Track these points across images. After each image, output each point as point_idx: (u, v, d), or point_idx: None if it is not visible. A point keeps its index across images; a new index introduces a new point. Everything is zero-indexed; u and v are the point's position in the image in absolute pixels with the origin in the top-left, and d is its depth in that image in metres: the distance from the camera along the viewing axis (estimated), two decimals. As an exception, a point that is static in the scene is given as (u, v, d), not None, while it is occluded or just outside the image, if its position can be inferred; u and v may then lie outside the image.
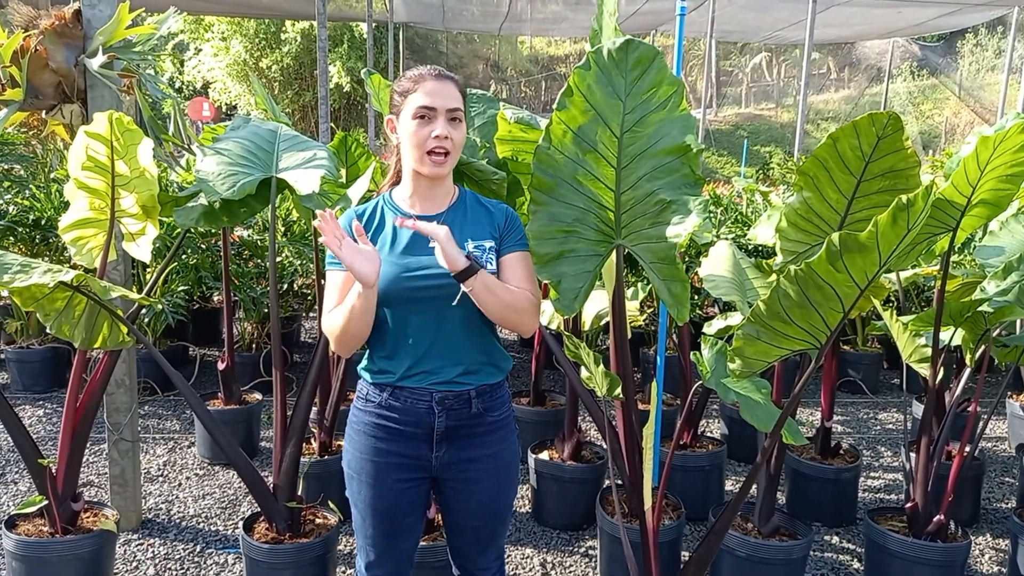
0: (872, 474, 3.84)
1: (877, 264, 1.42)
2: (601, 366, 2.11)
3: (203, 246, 4.73)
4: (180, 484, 3.47)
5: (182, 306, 4.39)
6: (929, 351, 2.74)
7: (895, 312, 2.93)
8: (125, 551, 2.88)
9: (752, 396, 1.90)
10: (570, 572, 2.87)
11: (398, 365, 1.73)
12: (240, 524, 2.51)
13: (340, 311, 1.65)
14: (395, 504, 1.79)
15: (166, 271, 2.68)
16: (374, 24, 12.34)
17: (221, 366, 3.76)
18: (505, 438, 1.83)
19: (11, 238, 4.35)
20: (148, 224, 2.55)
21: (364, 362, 1.78)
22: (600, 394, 2.22)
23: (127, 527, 3.02)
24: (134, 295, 2.26)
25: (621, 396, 2.06)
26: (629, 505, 2.75)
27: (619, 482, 2.80)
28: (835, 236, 1.41)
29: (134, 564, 2.80)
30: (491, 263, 1.75)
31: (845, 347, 5.39)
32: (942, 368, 3.06)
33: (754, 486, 2.95)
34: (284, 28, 18.06)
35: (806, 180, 2.37)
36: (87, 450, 3.74)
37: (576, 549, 3.04)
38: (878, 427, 4.55)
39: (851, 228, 2.39)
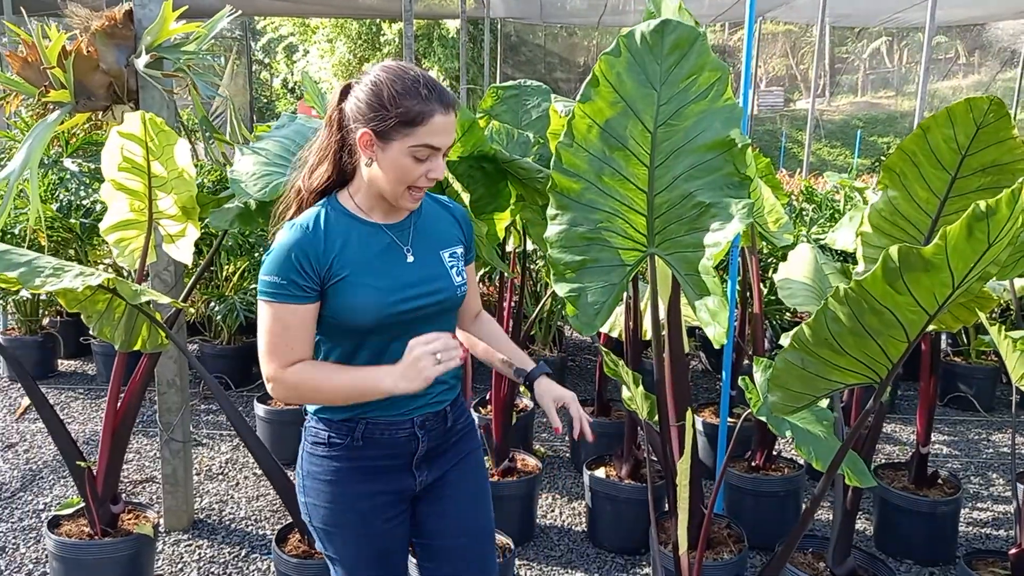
0: (979, 504, 3.42)
1: (949, 285, 1.16)
2: (640, 387, 1.89)
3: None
4: (238, 484, 3.48)
5: (253, 303, 4.43)
6: (1043, 374, 2.36)
7: (1004, 327, 2.55)
8: (173, 552, 2.89)
9: (811, 428, 1.65)
10: (622, 602, 2.67)
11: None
12: (280, 531, 2.45)
13: (325, 382, 1.45)
14: (387, 548, 1.63)
15: (201, 274, 2.64)
16: (468, 21, 12.30)
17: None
18: (472, 440, 1.71)
19: (98, 237, 4.51)
20: (188, 225, 2.52)
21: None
22: (642, 417, 2.01)
23: (178, 527, 3.03)
24: (164, 299, 2.22)
25: (658, 419, 1.84)
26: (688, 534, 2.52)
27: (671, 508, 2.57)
28: (893, 250, 1.15)
29: (180, 565, 2.80)
30: (463, 275, 1.61)
31: (956, 358, 4.88)
32: (1060, 394, 2.65)
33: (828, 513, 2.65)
34: (383, 29, 18.39)
35: (892, 177, 2.07)
36: (150, 445, 3.82)
37: (631, 574, 2.82)
38: (990, 450, 4.07)
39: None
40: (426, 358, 1.36)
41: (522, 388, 3.60)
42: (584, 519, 3.19)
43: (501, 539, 2.53)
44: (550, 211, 1.65)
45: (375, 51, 18.57)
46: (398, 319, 1.49)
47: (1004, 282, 3.76)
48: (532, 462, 3.15)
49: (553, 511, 3.33)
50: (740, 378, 1.65)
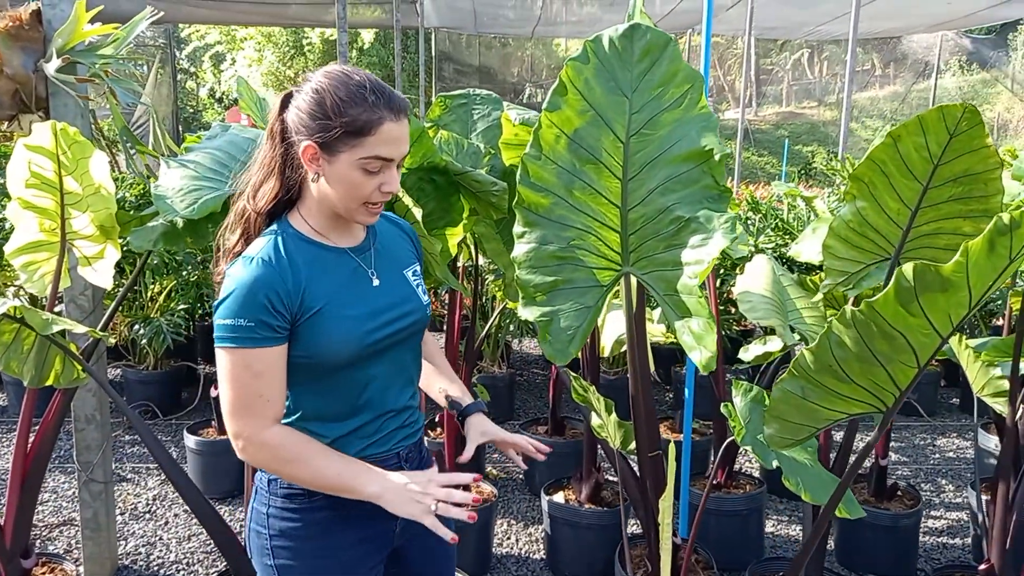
0: (933, 512, 3.42)
1: (966, 305, 1.07)
2: (614, 415, 1.77)
3: (202, 260, 4.50)
4: (167, 522, 3.21)
5: (181, 325, 4.15)
6: (1006, 384, 2.34)
7: (963, 336, 2.53)
8: (95, 604, 2.62)
9: (797, 457, 1.54)
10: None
11: (357, 437, 1.42)
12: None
13: (312, 459, 1.30)
14: None
15: (123, 299, 2.40)
16: (402, 30, 12.11)
17: (215, 392, 3.49)
18: (432, 462, 1.60)
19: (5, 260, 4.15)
20: (107, 246, 2.29)
21: None
22: (614, 446, 1.88)
23: (100, 576, 2.76)
24: (80, 328, 1.99)
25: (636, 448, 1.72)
26: (652, 562, 2.41)
27: (639, 532, 2.45)
28: (908, 268, 1.05)
29: (102, 621, 2.53)
30: (426, 293, 1.51)
31: (898, 364, 4.94)
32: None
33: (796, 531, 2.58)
34: (307, 34, 18.03)
35: (860, 187, 2.00)
36: (68, 483, 3.51)
37: (594, 606, 2.69)
38: (937, 455, 4.11)
39: (915, 245, 2.01)
40: (435, 492, 1.25)
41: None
42: (543, 546, 3.06)
43: (459, 574, 2.37)
44: (517, 228, 1.51)
45: (302, 58, 18.16)
46: (375, 348, 1.36)
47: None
48: (488, 489, 2.99)
49: (509, 538, 3.18)
50: (723, 405, 1.53)
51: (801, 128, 25.04)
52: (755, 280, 2.83)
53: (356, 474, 1.30)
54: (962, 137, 1.80)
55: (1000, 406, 2.39)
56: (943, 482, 3.77)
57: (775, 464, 1.50)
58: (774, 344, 2.85)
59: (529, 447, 1.52)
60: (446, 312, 3.14)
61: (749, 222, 4.45)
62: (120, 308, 4.61)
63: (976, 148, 1.80)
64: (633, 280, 1.55)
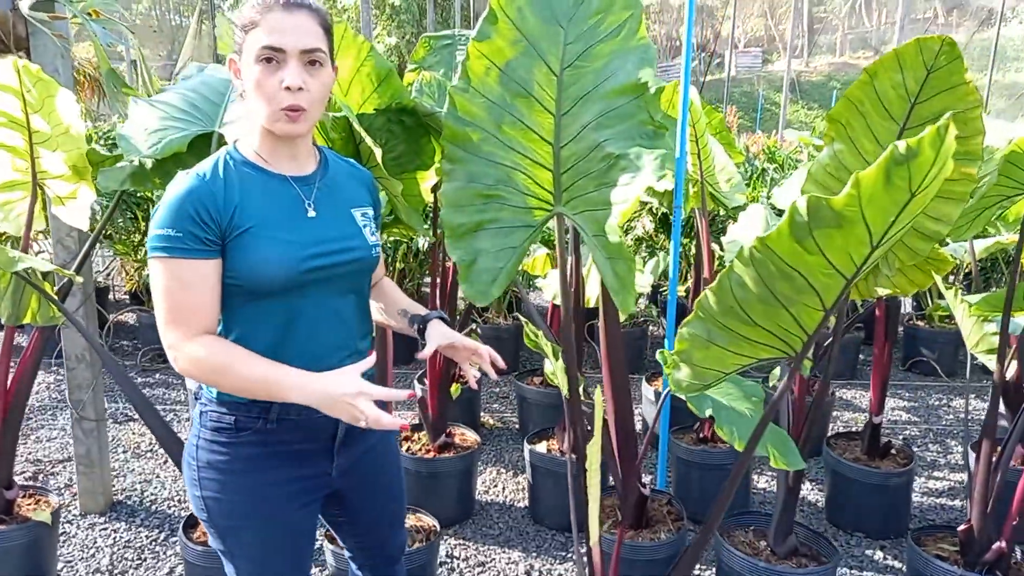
0: (936, 473, 3.33)
1: (866, 243, 0.99)
2: (561, 361, 1.72)
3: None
4: (166, 462, 3.30)
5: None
6: (997, 342, 2.23)
7: (960, 291, 2.41)
8: (86, 536, 2.71)
9: (737, 406, 1.49)
10: (559, 583, 2.54)
11: None
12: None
13: (236, 365, 1.27)
14: (301, 534, 1.51)
15: (96, 241, 2.42)
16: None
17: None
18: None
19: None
20: (81, 186, 2.30)
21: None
22: (564, 393, 1.85)
23: (94, 510, 2.86)
24: (47, 266, 2.01)
25: (579, 395, 1.68)
26: (622, 511, 2.39)
27: (613, 484, 2.43)
28: (801, 202, 0.98)
29: (91, 551, 2.63)
30: (376, 235, 1.49)
31: (919, 322, 4.78)
32: (1016, 362, 2.53)
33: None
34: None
35: (837, 129, 1.90)
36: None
37: (570, 555, 2.69)
38: (950, 416, 3.99)
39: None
40: (367, 409, 1.21)
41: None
42: (527, 495, 3.06)
43: (427, 520, 2.38)
44: (444, 165, 1.46)
45: (341, 8, 18.02)
46: (310, 277, 1.34)
47: (964, 243, 3.63)
48: (472, 437, 2.99)
49: (497, 486, 3.19)
50: (659, 351, 1.48)
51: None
52: (747, 229, 2.73)
53: (283, 376, 1.26)
54: (940, 73, 1.68)
55: (991, 362, 2.29)
56: (951, 443, 3.66)
57: (708, 412, 1.44)
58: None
59: (487, 357, 1.48)
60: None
61: (765, 172, 4.30)
62: (133, 254, 4.70)
63: (955, 85, 1.68)
64: (568, 221, 1.49)
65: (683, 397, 1.48)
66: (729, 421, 1.45)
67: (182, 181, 1.31)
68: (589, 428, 2.78)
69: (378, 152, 2.01)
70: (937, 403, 4.17)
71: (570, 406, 1.54)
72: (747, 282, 1.08)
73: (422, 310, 1.57)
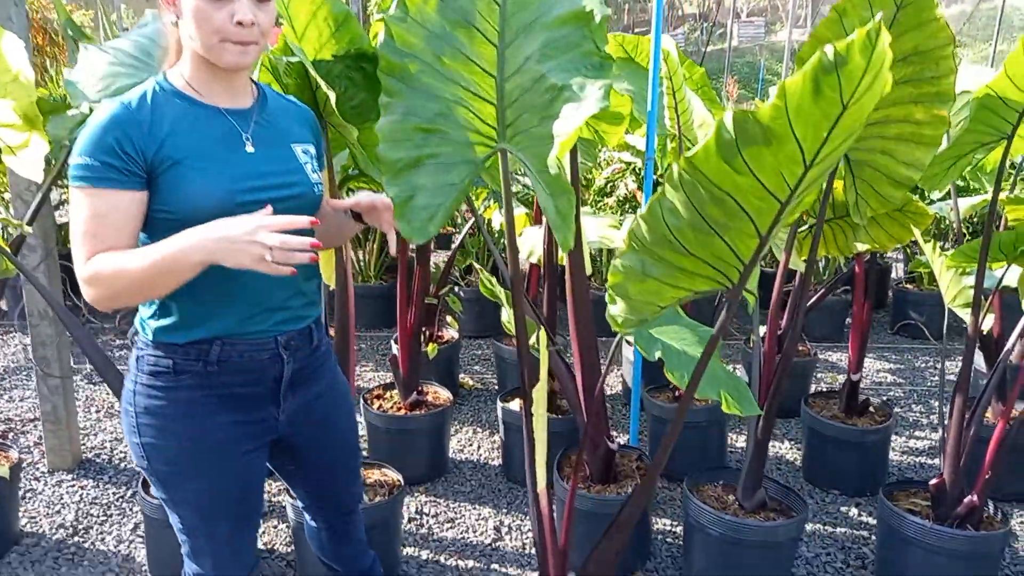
0: (917, 433, 3.29)
1: (799, 162, 0.93)
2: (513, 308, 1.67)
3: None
4: (140, 421, 3.27)
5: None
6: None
7: (940, 245, 2.36)
8: (53, 493, 2.69)
9: (689, 351, 1.44)
10: (526, 537, 2.51)
11: (229, 313, 1.36)
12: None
13: (128, 262, 1.19)
14: (248, 482, 1.47)
15: (48, 191, 2.37)
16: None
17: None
18: (332, 363, 1.59)
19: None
20: (33, 135, 2.23)
21: (158, 321, 1.35)
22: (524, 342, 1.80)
23: (62, 467, 2.83)
24: (-6, 216, 1.96)
25: (536, 345, 1.63)
26: (591, 467, 2.36)
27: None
28: (727, 117, 0.92)
29: (57, 507, 2.60)
30: (319, 174, 1.43)
31: (908, 285, 4.73)
32: (991, 315, 2.48)
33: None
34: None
35: (807, 71, 1.82)
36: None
37: (542, 511, 2.67)
38: (935, 378, 3.95)
39: (862, 135, 1.84)
40: (268, 239, 1.13)
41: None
42: (501, 453, 3.03)
43: (392, 475, 2.35)
44: (381, 99, 1.40)
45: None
46: (247, 212, 1.26)
47: (948, 202, 3.57)
48: (444, 395, 2.96)
49: (472, 445, 3.16)
50: (608, 293, 1.43)
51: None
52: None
53: (176, 244, 1.18)
54: (910, 9, 1.61)
55: (968, 315, 2.24)
56: (935, 404, 3.62)
57: (657, 355, 1.40)
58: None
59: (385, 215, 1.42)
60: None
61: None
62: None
63: (926, 21, 1.61)
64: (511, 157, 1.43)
65: (627, 335, 1.43)
66: (680, 365, 1.40)
67: (105, 109, 1.26)
68: (559, 385, 2.73)
69: (332, 95, 1.95)
70: (923, 365, 4.13)
71: (519, 354, 1.49)
72: (678, 207, 1.02)
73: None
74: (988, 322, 2.44)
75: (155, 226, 1.30)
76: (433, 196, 1.33)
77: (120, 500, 2.66)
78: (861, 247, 2.62)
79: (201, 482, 1.42)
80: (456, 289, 4.41)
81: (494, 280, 1.68)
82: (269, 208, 1.23)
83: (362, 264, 4.69)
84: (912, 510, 2.20)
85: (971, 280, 2.22)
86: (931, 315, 4.51)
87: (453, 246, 3.54)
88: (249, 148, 1.35)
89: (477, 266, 2.29)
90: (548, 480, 1.58)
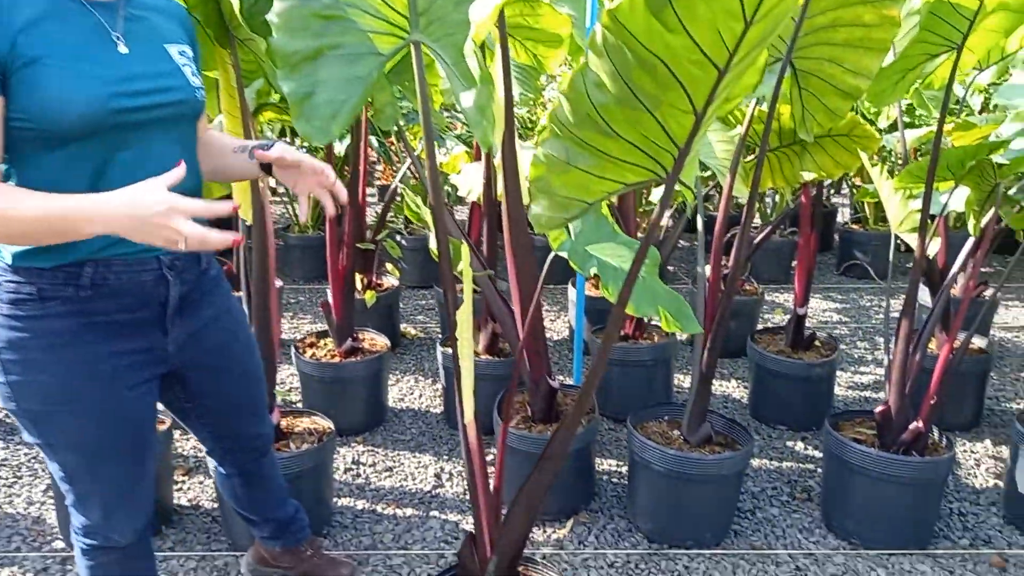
0: (862, 368, 3.28)
1: (739, 16, 0.80)
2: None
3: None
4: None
5: None
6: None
7: (885, 170, 2.29)
8: (-43, 456, 2.50)
9: (626, 266, 1.33)
10: (466, 483, 2.41)
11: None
12: None
13: (9, 211, 1.04)
14: (135, 421, 1.33)
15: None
16: None
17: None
18: (225, 287, 1.46)
19: None
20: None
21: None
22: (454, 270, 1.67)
23: (-33, 428, 2.63)
24: None
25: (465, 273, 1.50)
26: (532, 407, 2.26)
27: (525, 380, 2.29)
28: (653, -39, 0.79)
29: (-39, 471, 2.41)
30: (199, 77, 1.30)
31: (854, 226, 4.72)
32: (937, 240, 2.44)
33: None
34: None
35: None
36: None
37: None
38: (880, 316, 3.95)
39: (809, 42, 1.73)
40: (184, 227, 1.02)
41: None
42: (443, 400, 2.92)
43: (322, 423, 2.22)
44: (275, -18, 1.23)
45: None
46: (122, 120, 1.14)
47: (896, 134, 3.52)
48: (381, 342, 2.83)
49: (413, 393, 3.05)
50: (528, 190, 1.30)
51: None
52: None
53: (74, 207, 1.05)
54: None
55: (914, 240, 2.18)
56: (880, 340, 3.62)
57: (592, 270, 1.29)
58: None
59: (332, 178, 1.30)
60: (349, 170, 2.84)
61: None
62: None
63: None
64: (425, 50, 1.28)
65: (563, 254, 1.31)
66: (615, 278, 1.29)
67: None
68: (500, 327, 2.61)
69: (236, 3, 1.77)
70: (868, 304, 4.14)
71: (443, 278, 1.36)
72: (604, 80, 0.90)
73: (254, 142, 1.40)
74: (934, 246, 2.40)
75: (12, 140, 1.13)
76: (336, 91, 1.18)
77: (32, 461, 2.48)
78: (808, 176, 2.54)
79: (81, 420, 1.27)
80: (398, 238, 4.25)
81: (419, 201, 1.53)
82: (182, 167, 1.08)
83: (295, 206, 4.48)
84: (857, 439, 2.15)
85: (918, 204, 2.16)
86: (876, 255, 4.51)
87: (390, 189, 3.37)
88: (122, 48, 1.19)
89: (408, 192, 2.14)
90: (477, 410, 1.47)
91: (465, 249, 1.21)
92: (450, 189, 4.20)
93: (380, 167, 6.54)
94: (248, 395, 1.51)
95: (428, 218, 1.55)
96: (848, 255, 4.60)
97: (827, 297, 4.25)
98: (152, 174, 1.24)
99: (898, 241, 4.75)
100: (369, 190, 6.30)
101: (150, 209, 1.02)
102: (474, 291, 3.23)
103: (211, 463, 1.65)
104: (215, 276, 1.41)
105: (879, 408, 2.13)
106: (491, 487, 1.52)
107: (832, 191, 5.51)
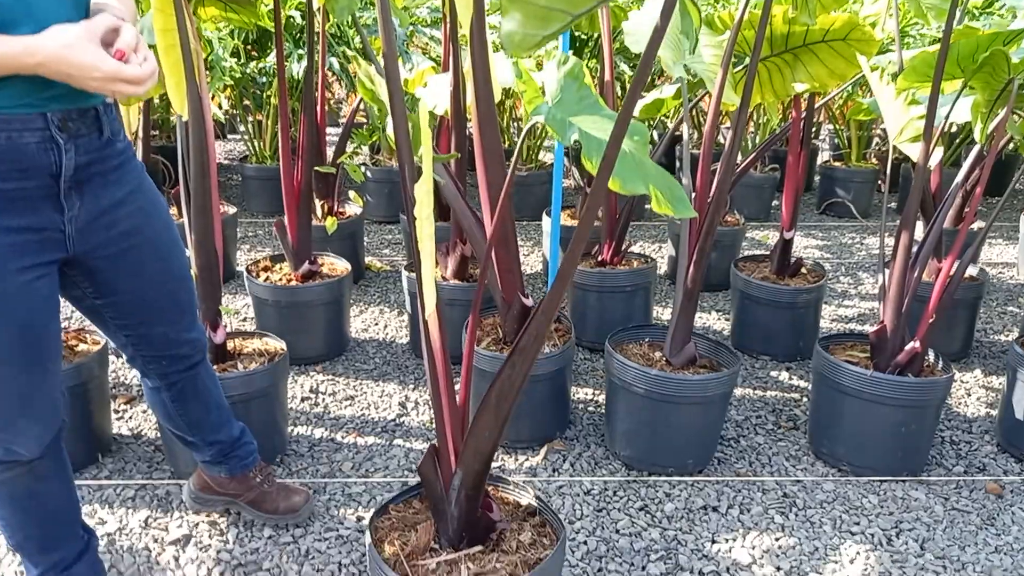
0: (847, 302, 3.17)
1: None
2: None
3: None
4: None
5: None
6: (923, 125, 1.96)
7: (885, 73, 2.12)
8: None
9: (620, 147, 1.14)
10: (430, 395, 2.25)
11: None
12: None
13: None
14: (30, 310, 1.13)
15: None
16: None
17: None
18: (139, 169, 1.27)
19: None
20: None
21: None
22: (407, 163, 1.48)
23: None
24: None
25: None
26: (504, 327, 2.09)
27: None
28: None
29: None
30: None
31: (836, 163, 4.58)
32: (939, 150, 2.28)
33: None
34: None
35: None
36: None
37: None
38: (863, 252, 3.84)
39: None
40: (123, 90, 1.02)
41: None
42: (408, 331, 2.75)
43: (274, 344, 2.04)
44: None
45: None
46: None
47: (891, 55, 3.36)
48: (342, 266, 2.63)
49: (378, 324, 2.87)
50: (515, 70, 1.11)
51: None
52: (653, 15, 2.35)
53: (20, 46, 0.98)
54: None
55: (915, 151, 2.03)
56: (863, 275, 3.50)
57: (574, 138, 1.11)
58: (668, 90, 2.43)
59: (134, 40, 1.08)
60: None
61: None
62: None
63: None
64: None
65: (548, 121, 1.13)
66: (599, 150, 1.12)
67: None
68: (470, 247, 2.42)
69: None
70: (850, 242, 4.02)
71: (399, 158, 1.17)
72: None
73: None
74: (936, 156, 2.25)
75: None
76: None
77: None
78: (800, 87, 2.37)
79: None
80: (363, 169, 4.02)
81: (372, 74, 1.33)
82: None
83: (256, 143, 4.23)
84: (851, 361, 2.02)
85: (921, 109, 2.00)
86: (858, 192, 4.39)
87: (350, 108, 3.15)
88: None
89: (360, 62, 1.92)
90: (445, 335, 1.29)
91: (426, 133, 1.02)
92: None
93: (345, 106, 6.26)
94: (168, 293, 1.32)
95: (384, 96, 1.36)
96: (829, 193, 4.47)
97: (808, 235, 4.12)
98: (41, 15, 1.05)
99: (879, 179, 4.63)
100: (333, 130, 6.02)
101: (99, 71, 1.00)
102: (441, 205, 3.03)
103: (141, 377, 1.46)
104: (123, 150, 1.21)
105: (874, 328, 2.00)
106: (457, 401, 1.36)
107: (812, 133, 5.36)
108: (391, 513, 1.37)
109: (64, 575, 1.35)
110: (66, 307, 2.88)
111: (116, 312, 1.29)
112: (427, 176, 1.10)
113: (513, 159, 1.18)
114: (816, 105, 2.78)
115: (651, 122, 4.73)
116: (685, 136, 2.04)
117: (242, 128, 4.41)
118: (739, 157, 4.06)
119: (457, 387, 1.32)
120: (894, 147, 2.14)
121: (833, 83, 2.32)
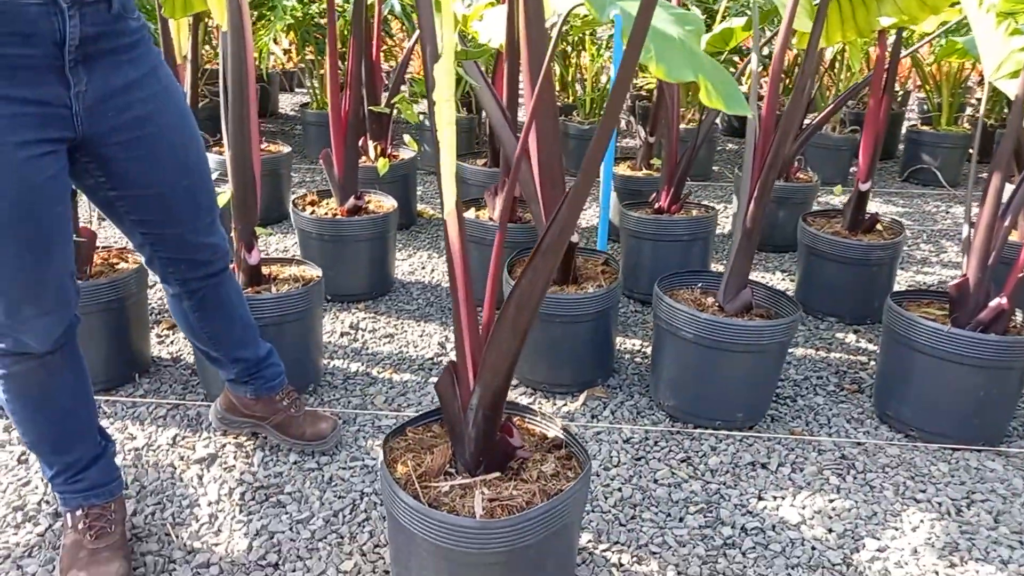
0: (926, 269, 2.94)
1: None
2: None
3: None
4: None
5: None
6: (1025, 54, 1.75)
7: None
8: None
9: (667, 29, 1.02)
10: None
11: None
12: None
13: None
14: (32, 187, 1.08)
15: None
16: None
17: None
18: (156, 55, 1.19)
19: None
20: None
21: None
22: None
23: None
24: None
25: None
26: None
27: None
28: None
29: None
30: None
31: (923, 127, 4.27)
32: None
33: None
34: None
35: None
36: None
37: (495, 329, 2.33)
38: (948, 221, 3.56)
39: None
40: None
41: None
42: (454, 273, 2.67)
43: (311, 271, 1.98)
44: None
45: None
46: None
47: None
48: (388, 204, 2.57)
49: (425, 268, 2.80)
50: None
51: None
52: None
53: None
54: None
55: (1013, 88, 1.82)
56: (946, 243, 3.25)
57: (614, 13, 0.99)
58: (737, 21, 2.25)
59: None
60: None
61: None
62: None
63: None
64: None
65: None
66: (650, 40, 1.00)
67: None
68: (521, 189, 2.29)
69: None
70: (934, 210, 3.74)
71: (425, 69, 1.07)
72: None
73: None
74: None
75: None
76: None
77: None
78: (886, 21, 2.16)
79: None
80: (421, 117, 3.95)
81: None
82: None
83: (319, 93, 4.20)
84: (927, 317, 1.84)
85: (1020, 42, 1.79)
86: (946, 159, 4.09)
87: (407, 48, 3.07)
88: None
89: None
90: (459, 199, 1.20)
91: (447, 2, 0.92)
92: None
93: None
94: (184, 189, 1.26)
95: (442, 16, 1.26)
96: (915, 159, 4.18)
97: (888, 202, 3.86)
98: None
99: (971, 147, 4.30)
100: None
101: None
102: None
103: (162, 281, 1.42)
104: (137, 29, 1.14)
105: (955, 282, 1.81)
106: (480, 317, 1.27)
107: (899, 101, 5.03)
108: (408, 435, 1.30)
109: (78, 477, 1.32)
110: (113, 230, 2.89)
111: (131, 206, 1.24)
112: (448, 53, 1.00)
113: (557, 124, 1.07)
114: (902, 55, 2.56)
115: (719, 58, 4.50)
116: (754, 64, 1.88)
117: (308, 83, 4.39)
118: (815, 112, 3.82)
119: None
120: (987, 111, 1.93)
121: (924, 15, 2.11)
